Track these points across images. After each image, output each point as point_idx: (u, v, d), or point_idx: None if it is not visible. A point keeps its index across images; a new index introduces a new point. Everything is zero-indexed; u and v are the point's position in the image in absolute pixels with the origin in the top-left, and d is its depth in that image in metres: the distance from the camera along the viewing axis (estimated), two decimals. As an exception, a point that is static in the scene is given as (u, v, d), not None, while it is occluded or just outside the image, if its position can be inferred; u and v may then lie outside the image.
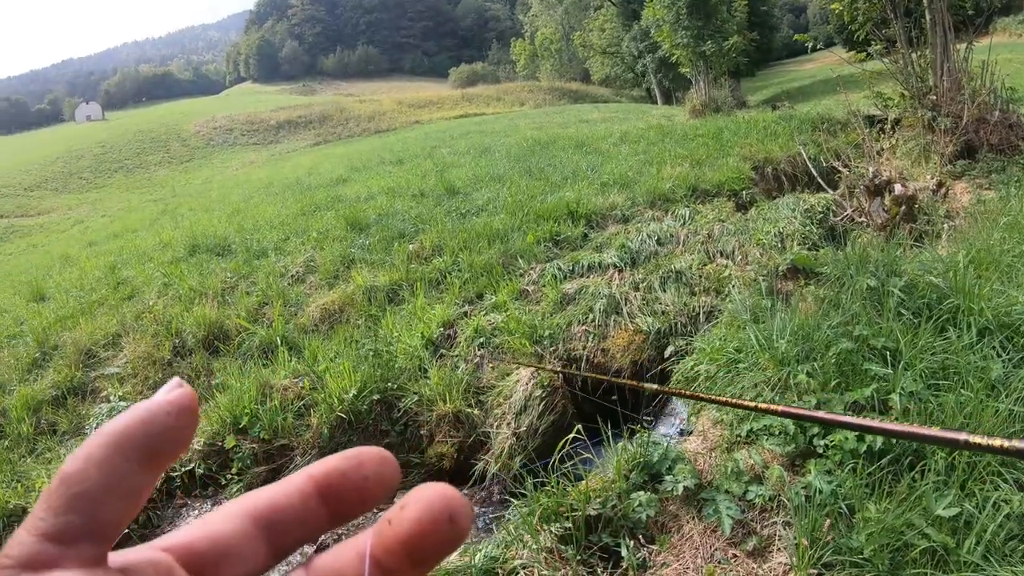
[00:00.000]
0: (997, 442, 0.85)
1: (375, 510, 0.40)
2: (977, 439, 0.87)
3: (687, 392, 2.68)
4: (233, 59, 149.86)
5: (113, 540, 0.34)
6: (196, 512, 5.14)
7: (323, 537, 0.46)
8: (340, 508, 0.39)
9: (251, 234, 10.54)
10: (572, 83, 60.10)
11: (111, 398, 6.40)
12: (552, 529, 3.46)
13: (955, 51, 10.42)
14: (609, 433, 4.02)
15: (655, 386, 3.19)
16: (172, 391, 0.38)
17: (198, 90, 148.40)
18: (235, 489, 5.22)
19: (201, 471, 5.34)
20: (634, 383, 2.79)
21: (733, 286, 6.17)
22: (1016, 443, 0.83)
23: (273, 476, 5.33)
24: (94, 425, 6.07)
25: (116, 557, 0.35)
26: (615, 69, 50.69)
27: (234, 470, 5.32)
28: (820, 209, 8.08)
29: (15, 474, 5.32)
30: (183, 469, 5.32)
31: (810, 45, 11.83)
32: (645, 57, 42.65)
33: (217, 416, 5.62)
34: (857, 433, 3.44)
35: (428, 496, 0.35)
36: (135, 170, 39.93)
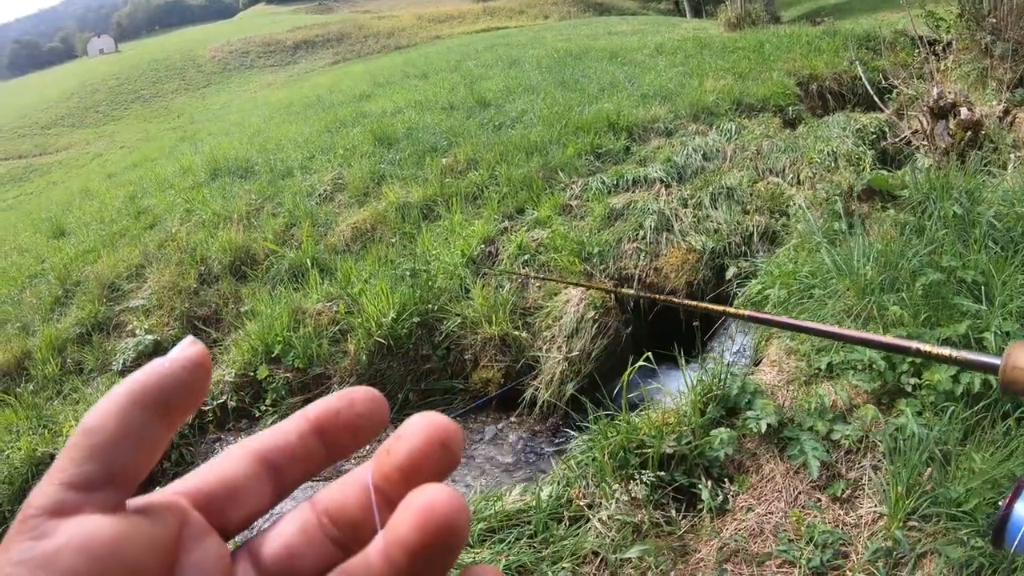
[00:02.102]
0: (946, 351, 0.86)
1: (369, 445, 0.41)
2: (927, 347, 0.89)
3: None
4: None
5: (132, 488, 0.35)
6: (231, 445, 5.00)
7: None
8: (336, 445, 0.40)
9: (274, 154, 10.14)
10: (598, -5, 58.84)
11: (137, 332, 6.18)
12: (644, 479, 3.12)
13: (1015, -31, 9.78)
14: (682, 358, 3.67)
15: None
16: (186, 348, 0.38)
17: (211, 15, 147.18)
18: (270, 421, 5.02)
19: (234, 403, 5.20)
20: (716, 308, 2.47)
21: (800, 206, 5.74)
22: (964, 353, 0.85)
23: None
24: (120, 360, 5.90)
25: (133, 503, 0.36)
26: (641, -19, 49.44)
27: (268, 401, 5.14)
28: (873, 129, 7.62)
29: (42, 419, 5.16)
30: (215, 403, 5.18)
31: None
32: (673, -32, 41.51)
33: (248, 345, 5.40)
34: (953, 374, 3.15)
35: (421, 425, 0.37)
36: (152, 99, 39.75)
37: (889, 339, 0.98)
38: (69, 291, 7.29)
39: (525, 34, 26.46)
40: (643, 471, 3.14)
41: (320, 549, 0.38)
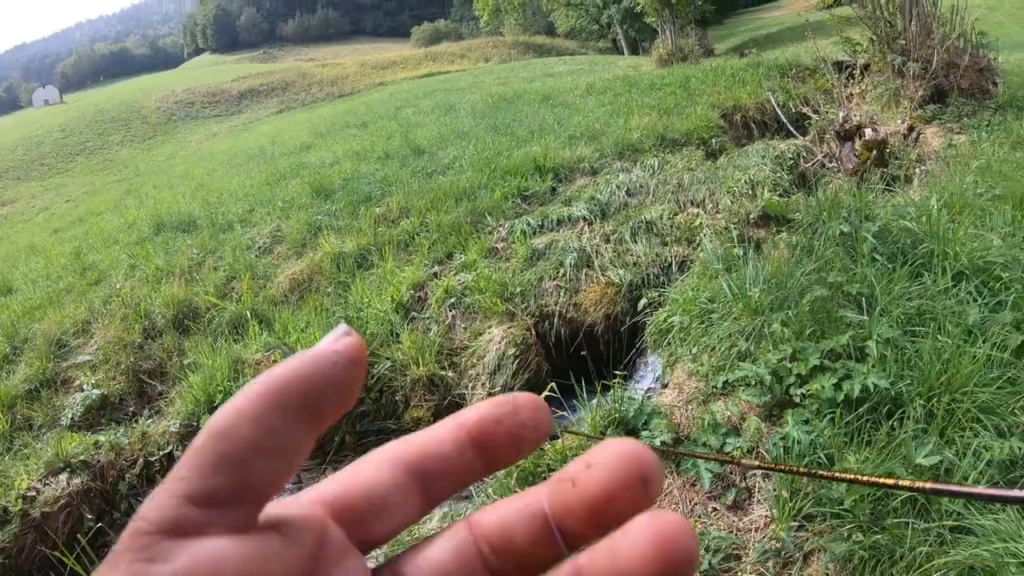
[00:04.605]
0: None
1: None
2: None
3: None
4: (190, 30, 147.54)
5: (264, 503, 0.32)
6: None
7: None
8: (494, 456, 0.36)
9: (216, 208, 10.37)
10: (537, 37, 59.85)
11: (84, 387, 6.29)
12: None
13: (925, -5, 10.35)
14: (584, 390, 3.99)
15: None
16: (339, 339, 0.34)
17: (156, 65, 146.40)
18: None
19: (179, 453, 5.24)
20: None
21: (705, 235, 6.11)
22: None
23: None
24: (69, 415, 5.99)
25: (267, 515, 0.32)
26: (580, 21, 50.29)
27: None
28: (790, 155, 8.05)
29: (-8, 474, 5.23)
30: (161, 453, 5.30)
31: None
32: (610, 8, 42.35)
33: (191, 396, 5.58)
34: (835, 382, 3.42)
35: (619, 455, 0.32)
36: (97, 152, 39.28)
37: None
38: (17, 348, 7.31)
39: (465, 79, 26.91)
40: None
41: None
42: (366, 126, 15.82)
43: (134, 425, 5.78)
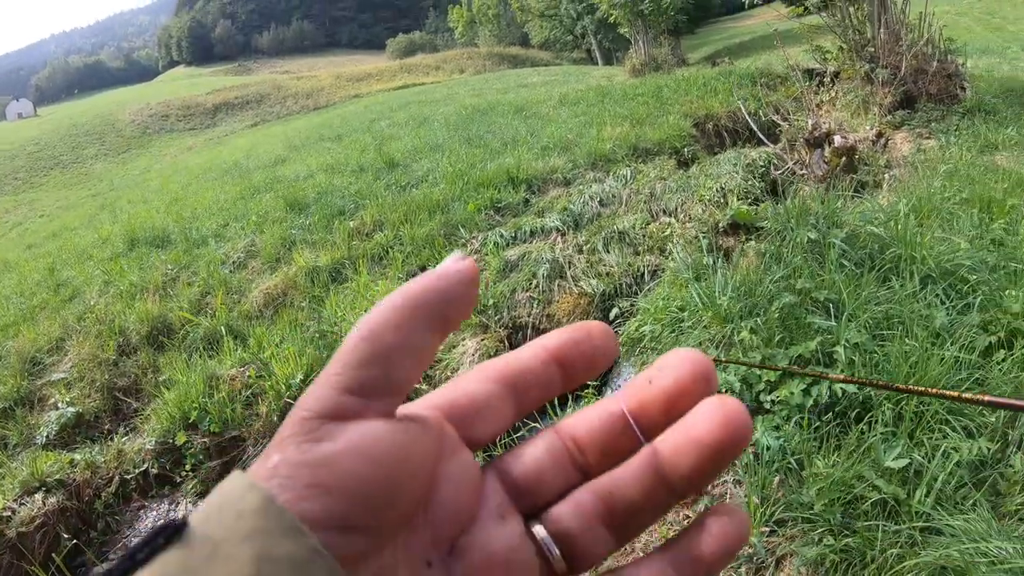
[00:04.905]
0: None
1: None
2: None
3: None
4: (165, 43, 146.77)
5: (404, 395, 0.37)
6: (154, 514, 5.05)
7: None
8: (572, 374, 0.42)
9: (190, 223, 10.31)
10: (512, 48, 59.95)
11: (59, 405, 6.23)
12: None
13: (892, 3, 10.48)
14: (556, 401, 3.99)
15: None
16: (457, 262, 0.40)
17: (131, 77, 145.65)
18: (190, 486, 5.15)
19: (155, 471, 5.24)
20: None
21: (675, 244, 6.15)
22: None
23: (227, 469, 5.22)
24: (44, 434, 5.90)
25: (401, 411, 0.37)
26: (554, 32, 50.53)
27: (187, 467, 5.22)
28: (762, 163, 8.10)
29: (-35, 495, 5.17)
30: (137, 471, 5.24)
31: (747, 1, 11.83)
32: (584, 19, 42.53)
33: (166, 413, 5.51)
34: (804, 387, 3.44)
35: (686, 358, 0.40)
36: (71, 165, 38.87)
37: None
38: (-10, 367, 7.25)
39: (440, 90, 26.94)
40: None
41: (565, 472, 0.41)
42: (341, 139, 15.81)
43: (109, 443, 5.71)
